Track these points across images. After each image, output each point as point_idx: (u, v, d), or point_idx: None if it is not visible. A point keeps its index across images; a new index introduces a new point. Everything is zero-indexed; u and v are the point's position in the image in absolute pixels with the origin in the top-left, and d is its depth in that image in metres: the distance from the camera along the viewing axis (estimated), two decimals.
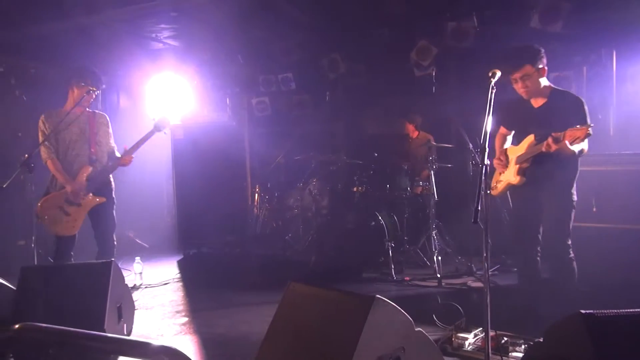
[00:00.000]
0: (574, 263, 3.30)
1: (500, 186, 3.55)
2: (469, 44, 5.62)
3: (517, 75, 3.24)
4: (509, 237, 3.94)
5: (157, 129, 4.09)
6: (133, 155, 4.04)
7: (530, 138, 3.31)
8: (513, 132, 3.62)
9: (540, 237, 3.47)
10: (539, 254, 3.48)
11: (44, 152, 3.87)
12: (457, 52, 6.11)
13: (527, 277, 3.55)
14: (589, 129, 2.89)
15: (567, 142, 2.97)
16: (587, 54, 5.63)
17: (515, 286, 3.79)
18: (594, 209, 4.22)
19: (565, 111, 3.16)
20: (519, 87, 3.30)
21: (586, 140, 3.15)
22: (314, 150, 6.37)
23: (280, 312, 2.26)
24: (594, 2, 5.24)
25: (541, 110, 3.31)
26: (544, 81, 3.29)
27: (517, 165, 3.38)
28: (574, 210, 3.29)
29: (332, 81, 6.90)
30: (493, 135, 3.68)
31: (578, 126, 2.92)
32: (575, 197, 3.30)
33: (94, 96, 3.98)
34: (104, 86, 4.09)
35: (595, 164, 4.42)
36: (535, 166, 3.29)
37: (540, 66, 3.23)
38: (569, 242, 3.29)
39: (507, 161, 3.49)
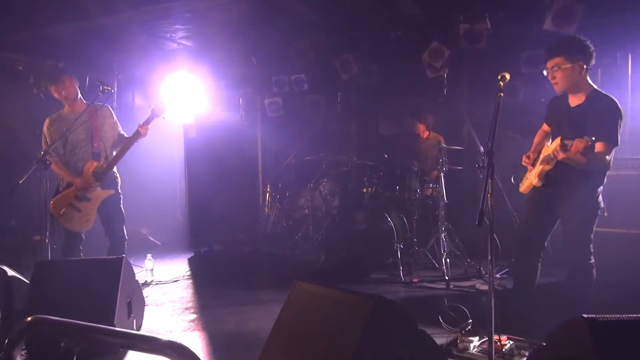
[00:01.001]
0: (594, 270, 3.23)
1: (525, 184, 3.50)
2: (482, 45, 5.58)
3: (549, 64, 3.15)
4: (515, 237, 3.85)
5: (155, 114, 4.16)
6: (148, 127, 4.10)
7: (558, 141, 3.18)
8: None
9: (546, 245, 3.41)
10: (540, 260, 3.42)
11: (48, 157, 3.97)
12: (469, 54, 6.09)
13: (522, 283, 3.49)
14: (589, 142, 2.77)
15: (577, 154, 2.87)
16: (602, 56, 5.55)
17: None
18: (606, 214, 4.17)
19: (597, 118, 3.02)
20: (550, 79, 3.20)
21: (613, 152, 3.08)
22: (326, 151, 6.40)
23: (285, 310, 2.30)
24: (608, 5, 5.18)
25: (576, 111, 3.18)
26: (582, 80, 3.14)
27: (541, 167, 3.30)
28: (597, 216, 3.21)
29: (344, 82, 6.92)
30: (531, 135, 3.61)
31: (585, 137, 2.79)
32: (601, 204, 3.21)
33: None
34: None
35: None
36: (558, 171, 3.20)
37: (579, 62, 3.07)
38: (591, 248, 3.21)
39: (538, 159, 3.41)
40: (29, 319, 1.50)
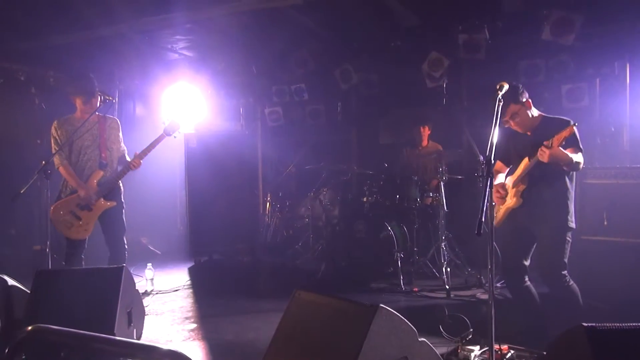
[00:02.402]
0: (574, 286, 3.22)
1: (500, 214, 3.46)
2: (481, 56, 5.63)
3: (506, 117, 3.27)
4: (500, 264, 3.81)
5: (166, 133, 4.16)
6: (141, 160, 4.07)
7: (525, 160, 3.29)
8: (509, 169, 3.55)
9: (526, 265, 3.36)
10: (526, 282, 3.36)
11: (56, 158, 3.97)
12: (468, 64, 6.13)
13: (520, 302, 3.46)
14: (574, 127, 2.91)
15: (559, 148, 2.98)
16: (600, 66, 5.59)
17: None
18: (605, 223, 4.18)
19: (557, 132, 3.08)
20: (512, 126, 3.34)
21: (580, 154, 3.14)
22: (326, 160, 6.41)
23: (285, 320, 2.29)
24: (607, 14, 5.23)
25: (534, 135, 3.31)
26: (533, 112, 3.32)
27: (514, 189, 3.36)
28: (568, 241, 3.19)
29: (344, 92, 6.96)
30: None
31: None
32: (573, 225, 3.21)
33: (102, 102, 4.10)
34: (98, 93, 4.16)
35: (607, 177, 4.40)
36: (531, 188, 3.27)
37: (524, 100, 3.27)
38: (564, 273, 3.19)
39: (507, 193, 3.43)
40: (29, 328, 1.50)
